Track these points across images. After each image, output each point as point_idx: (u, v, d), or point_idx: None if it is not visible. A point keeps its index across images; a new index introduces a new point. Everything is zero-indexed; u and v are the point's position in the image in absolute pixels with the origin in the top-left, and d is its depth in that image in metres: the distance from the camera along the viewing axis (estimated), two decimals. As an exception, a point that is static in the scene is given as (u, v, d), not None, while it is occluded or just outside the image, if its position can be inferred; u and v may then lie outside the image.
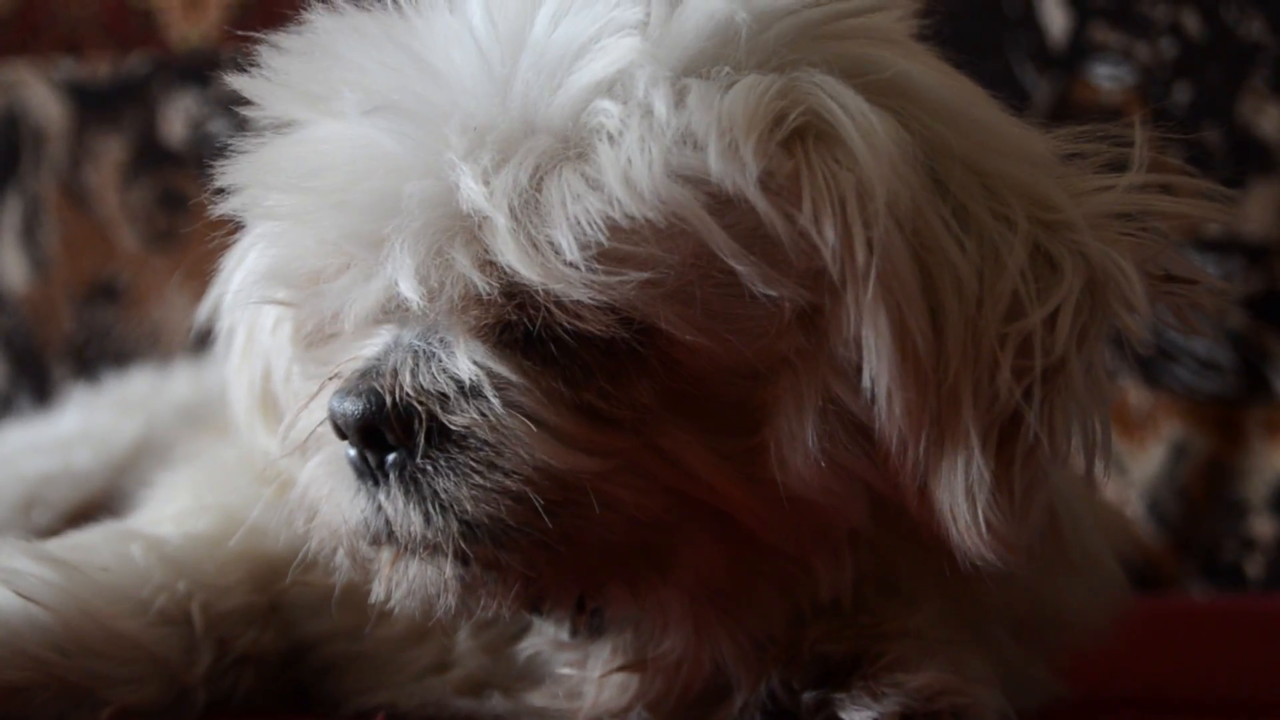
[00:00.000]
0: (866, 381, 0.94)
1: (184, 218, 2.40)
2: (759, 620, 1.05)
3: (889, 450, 0.96)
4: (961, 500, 0.95)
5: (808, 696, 1.03)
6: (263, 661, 1.17)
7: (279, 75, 1.04)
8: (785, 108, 0.94)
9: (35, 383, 2.44)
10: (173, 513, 1.24)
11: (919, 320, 0.93)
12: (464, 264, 0.94)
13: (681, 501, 0.99)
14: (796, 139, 0.93)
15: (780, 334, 0.96)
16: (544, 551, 0.97)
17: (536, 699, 1.11)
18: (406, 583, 1.01)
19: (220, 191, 1.05)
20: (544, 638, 1.12)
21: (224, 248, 1.15)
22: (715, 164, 0.92)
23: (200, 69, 2.39)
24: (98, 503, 1.67)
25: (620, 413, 0.97)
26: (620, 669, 1.08)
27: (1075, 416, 0.97)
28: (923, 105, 0.98)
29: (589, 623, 1.09)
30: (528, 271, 0.93)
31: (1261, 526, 2.04)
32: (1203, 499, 2.07)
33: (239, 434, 1.22)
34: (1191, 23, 2.07)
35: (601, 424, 0.97)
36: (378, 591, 1.04)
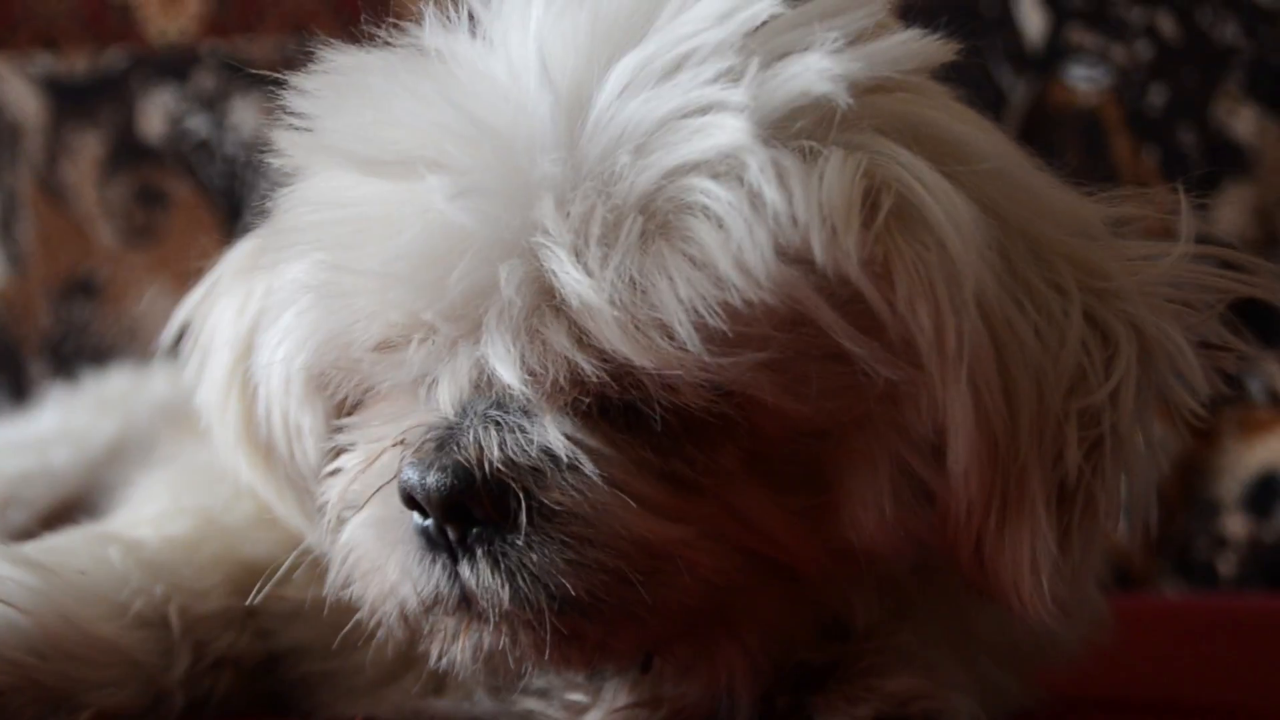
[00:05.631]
0: (952, 463, 0.94)
1: (162, 214, 2.39)
2: (787, 652, 1.05)
3: (952, 516, 0.97)
4: (1026, 571, 0.95)
5: (782, 701, 1.04)
6: (240, 665, 1.16)
7: (314, 128, 1.01)
8: (875, 190, 0.93)
9: (12, 379, 2.43)
10: (151, 515, 1.24)
11: (997, 402, 0.93)
12: (565, 345, 0.92)
13: (752, 560, 0.98)
14: (885, 222, 0.93)
15: (865, 399, 0.95)
16: (628, 620, 0.96)
17: (527, 703, 1.10)
18: (473, 648, 0.99)
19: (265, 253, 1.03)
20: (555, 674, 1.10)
21: (203, 254, 1.14)
22: (819, 251, 0.91)
23: (178, 65, 2.39)
24: (75, 501, 1.67)
25: (703, 478, 0.96)
26: (633, 706, 1.06)
27: (1128, 482, 0.99)
28: (979, 173, 0.97)
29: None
30: (640, 358, 0.91)
31: (1234, 525, 2.06)
32: (1176, 497, 2.08)
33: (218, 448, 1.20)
34: (1167, 25, 2.08)
35: (686, 491, 0.96)
36: (433, 653, 1.02)
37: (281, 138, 1.02)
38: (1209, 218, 2.00)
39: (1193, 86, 2.07)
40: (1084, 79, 2.11)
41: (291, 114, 1.02)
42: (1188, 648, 1.67)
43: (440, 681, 1.13)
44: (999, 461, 0.94)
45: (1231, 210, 2.05)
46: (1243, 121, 2.06)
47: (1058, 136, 2.12)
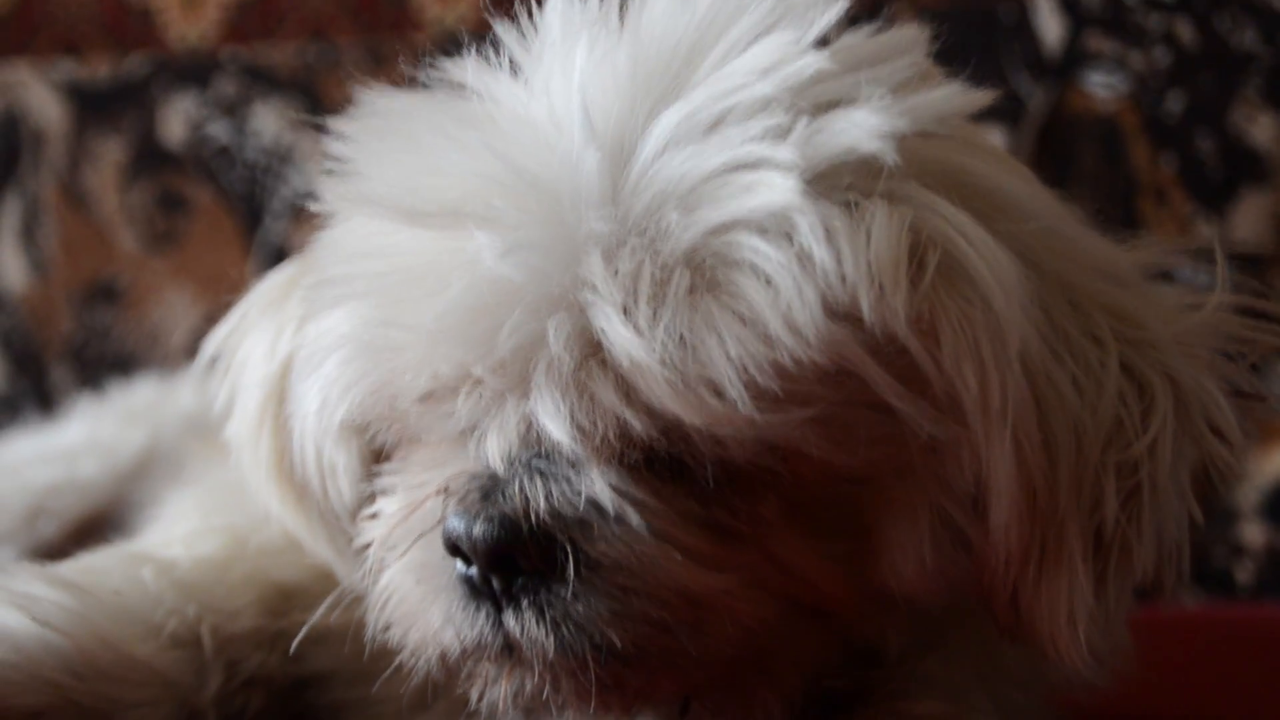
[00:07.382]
0: (992, 517, 0.95)
1: (183, 220, 2.41)
2: (818, 682, 1.06)
3: (989, 566, 0.97)
4: (1063, 621, 0.96)
5: (808, 726, 1.05)
6: (271, 685, 1.18)
7: (354, 173, 1.01)
8: (921, 246, 0.93)
9: (34, 384, 2.45)
10: (181, 534, 1.25)
11: (1038, 457, 0.94)
12: (614, 402, 0.92)
13: (791, 606, 0.99)
14: (932, 280, 0.93)
15: (908, 449, 0.96)
16: (670, 669, 0.97)
17: None
18: (514, 693, 0.99)
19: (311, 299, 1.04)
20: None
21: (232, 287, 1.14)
22: (868, 310, 0.91)
23: (199, 70, 2.40)
24: (103, 513, 1.69)
25: (744, 526, 0.96)
26: None
27: (1162, 532, 0.99)
28: (1021, 225, 0.98)
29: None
30: (690, 417, 0.90)
31: (1251, 534, 2.06)
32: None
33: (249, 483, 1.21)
34: (1185, 32, 2.08)
35: (728, 539, 0.96)
36: (473, 696, 1.02)
37: (332, 190, 1.02)
38: (1227, 226, 2.01)
39: (1211, 93, 2.07)
40: (1102, 86, 2.11)
41: (331, 158, 1.02)
42: (1206, 660, 1.68)
43: (470, 708, 1.13)
44: (1038, 515, 0.95)
45: (1249, 218, 2.05)
46: (1261, 128, 2.05)
47: (1076, 143, 2.12)
